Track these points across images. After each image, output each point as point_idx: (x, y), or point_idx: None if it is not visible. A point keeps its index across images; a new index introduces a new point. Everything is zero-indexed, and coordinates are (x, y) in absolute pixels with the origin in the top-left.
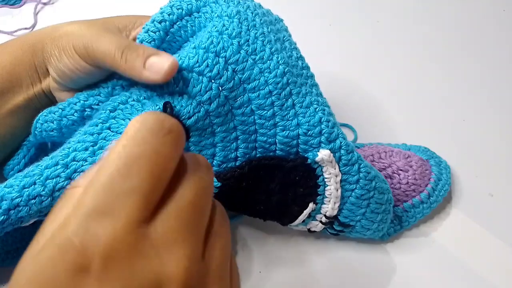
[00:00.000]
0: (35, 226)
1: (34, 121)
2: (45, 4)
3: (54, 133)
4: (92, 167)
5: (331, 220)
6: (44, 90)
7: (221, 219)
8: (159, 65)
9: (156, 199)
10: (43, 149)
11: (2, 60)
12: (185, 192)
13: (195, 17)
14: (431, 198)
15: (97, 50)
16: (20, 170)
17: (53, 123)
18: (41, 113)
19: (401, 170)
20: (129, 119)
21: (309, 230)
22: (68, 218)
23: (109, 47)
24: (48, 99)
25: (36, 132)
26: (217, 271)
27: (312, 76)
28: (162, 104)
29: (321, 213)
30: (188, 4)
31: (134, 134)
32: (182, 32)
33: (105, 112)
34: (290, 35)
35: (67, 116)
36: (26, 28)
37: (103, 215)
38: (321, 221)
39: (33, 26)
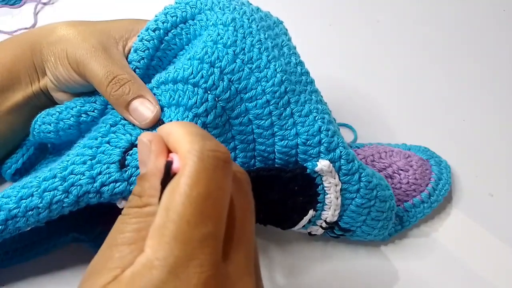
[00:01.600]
0: (34, 227)
1: (33, 122)
2: (45, 4)
3: (51, 135)
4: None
5: (332, 226)
6: (42, 89)
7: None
8: (142, 113)
9: (223, 233)
10: (42, 149)
11: (3, 57)
12: (246, 225)
13: (190, 25)
14: (432, 197)
15: (86, 69)
16: (17, 169)
17: (50, 125)
18: (39, 115)
19: (401, 170)
20: (130, 134)
21: (309, 233)
22: (149, 269)
23: (98, 70)
24: (47, 98)
25: (34, 133)
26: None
27: (311, 82)
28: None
29: (321, 219)
30: (182, 12)
31: (195, 171)
32: (177, 40)
33: (105, 126)
34: (289, 39)
35: (64, 120)
36: (26, 28)
37: (188, 263)
38: (321, 226)
39: (33, 26)
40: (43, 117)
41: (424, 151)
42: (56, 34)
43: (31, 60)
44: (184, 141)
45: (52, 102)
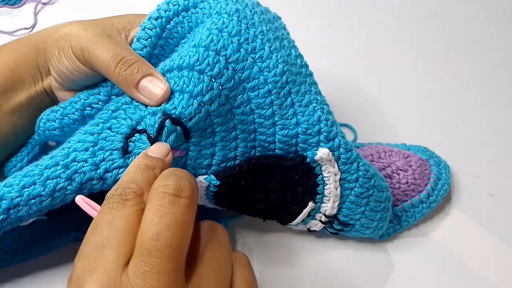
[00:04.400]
0: (34, 226)
1: (38, 120)
2: (45, 4)
3: (56, 132)
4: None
5: (331, 219)
6: (46, 89)
7: (211, 238)
8: (152, 90)
9: (127, 252)
10: (48, 149)
11: (7, 58)
12: (141, 234)
13: (192, 13)
14: (431, 198)
15: (92, 55)
16: (22, 167)
17: (55, 122)
18: (44, 112)
19: (400, 169)
20: (131, 119)
21: (308, 229)
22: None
23: (104, 54)
24: (50, 98)
25: (39, 131)
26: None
27: (311, 74)
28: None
29: (320, 212)
30: (185, 0)
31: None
32: (179, 28)
33: (107, 112)
34: (288, 33)
35: (69, 115)
36: (26, 28)
37: (91, 271)
38: (320, 220)
39: (33, 26)
40: (48, 115)
41: (424, 151)
42: (60, 32)
43: (35, 60)
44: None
45: (56, 103)
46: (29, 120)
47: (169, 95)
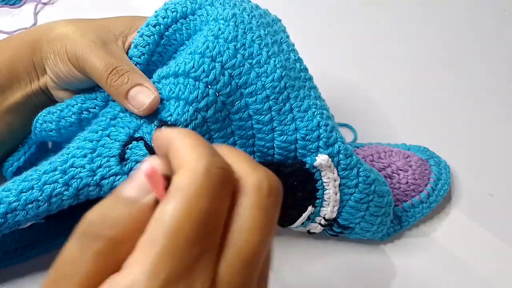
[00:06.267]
0: (33, 227)
1: (34, 121)
2: (45, 4)
3: (53, 133)
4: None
5: (331, 223)
6: (42, 87)
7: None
8: (140, 100)
9: (217, 253)
10: (44, 148)
11: (1, 57)
12: (245, 243)
13: (190, 20)
14: (431, 198)
15: (86, 63)
16: (19, 167)
17: (51, 123)
18: (40, 113)
19: (400, 170)
20: (128, 127)
21: (308, 231)
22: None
23: (97, 64)
24: (46, 96)
25: (36, 131)
26: None
27: (310, 78)
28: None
29: (320, 216)
30: (183, 7)
31: (200, 186)
32: (177, 35)
33: (105, 120)
34: (288, 36)
35: (65, 118)
36: (26, 28)
37: (178, 282)
38: (320, 223)
39: (33, 26)
40: (44, 116)
41: (424, 151)
42: (55, 32)
43: (31, 58)
44: (188, 153)
45: (52, 101)
46: (26, 119)
47: (158, 105)
